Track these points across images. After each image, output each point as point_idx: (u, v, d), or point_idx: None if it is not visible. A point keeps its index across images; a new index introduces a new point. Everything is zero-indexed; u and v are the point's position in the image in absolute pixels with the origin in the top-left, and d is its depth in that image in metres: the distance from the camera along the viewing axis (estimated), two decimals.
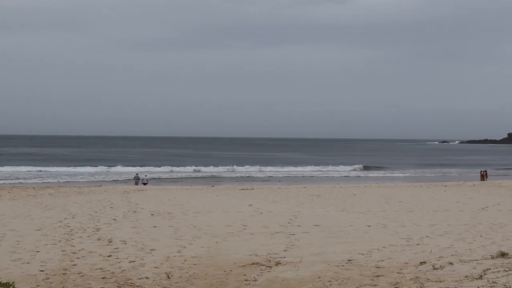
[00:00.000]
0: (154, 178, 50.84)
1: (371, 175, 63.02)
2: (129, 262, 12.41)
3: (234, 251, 13.57)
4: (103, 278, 10.96)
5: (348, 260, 12.34)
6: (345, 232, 16.69)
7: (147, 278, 10.92)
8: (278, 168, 70.97)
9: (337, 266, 11.76)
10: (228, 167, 71.17)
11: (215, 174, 63.02)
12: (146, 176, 45.69)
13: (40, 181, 47.32)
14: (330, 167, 73.34)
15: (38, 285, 10.40)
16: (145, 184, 41.85)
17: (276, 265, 11.97)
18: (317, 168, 72.64)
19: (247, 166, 72.36)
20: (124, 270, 11.57)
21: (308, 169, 70.52)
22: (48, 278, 10.91)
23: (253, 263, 12.11)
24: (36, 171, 61.28)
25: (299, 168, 71.32)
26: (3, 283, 10.12)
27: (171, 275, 11.13)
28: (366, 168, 74.15)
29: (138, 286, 10.34)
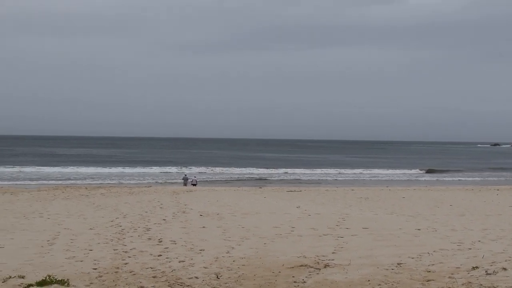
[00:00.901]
0: (203, 180, 51.31)
1: (445, 179, 60.32)
2: (179, 261, 12.60)
3: (282, 253, 13.61)
4: (154, 277, 11.17)
5: (398, 264, 12.21)
6: (394, 235, 16.50)
7: (196, 278, 11.07)
8: (329, 170, 70.65)
9: (387, 269, 11.65)
10: (277, 169, 71.27)
11: (263, 175, 63.17)
12: (195, 177, 46.40)
13: (92, 182, 48.45)
14: (390, 171, 71.54)
15: (91, 283, 10.67)
16: (194, 185, 42.57)
17: (325, 267, 11.95)
18: (378, 171, 70.84)
19: (294, 168, 72.30)
20: (174, 270, 11.77)
21: (373, 172, 69.24)
22: (101, 276, 11.19)
23: (301, 265, 12.12)
24: (89, 172, 62.80)
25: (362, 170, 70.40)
26: (59, 280, 10.45)
27: (220, 275, 11.26)
28: (430, 171, 71.19)
29: (188, 285, 10.50)
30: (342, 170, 70.87)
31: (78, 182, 47.89)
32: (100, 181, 49.10)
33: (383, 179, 59.47)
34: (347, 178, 60.09)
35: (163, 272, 11.59)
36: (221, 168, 70.58)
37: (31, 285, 10.19)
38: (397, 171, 71.03)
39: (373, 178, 60.62)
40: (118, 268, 11.95)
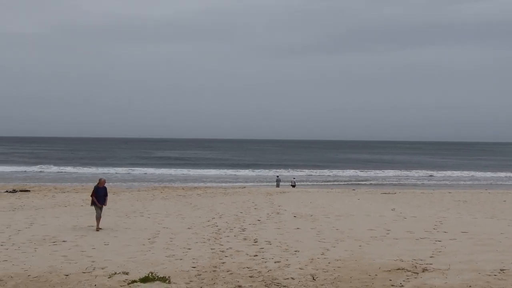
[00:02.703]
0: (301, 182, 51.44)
1: None
2: (275, 262, 12.74)
3: (378, 256, 13.43)
4: (250, 276, 11.37)
5: (501, 270, 11.73)
6: (496, 240, 15.84)
7: (292, 278, 11.16)
8: (420, 172, 68.79)
9: (489, 275, 11.22)
10: (369, 170, 70.26)
11: (356, 177, 62.42)
12: (294, 178, 47.22)
13: (188, 183, 49.83)
14: (489, 173, 68.16)
15: (191, 281, 11.00)
16: (293, 186, 43.25)
17: (423, 271, 11.68)
18: (477, 173, 67.82)
19: (388, 170, 71.02)
20: (270, 270, 11.91)
21: (471, 174, 66.64)
22: (200, 275, 11.52)
23: (398, 269, 11.92)
24: (182, 173, 64.71)
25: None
26: (160, 277, 10.87)
27: (316, 277, 11.28)
28: None
29: (285, 286, 10.60)
30: (435, 173, 68.75)
31: (172, 184, 49.40)
32: (196, 183, 50.40)
33: (482, 182, 56.95)
34: (441, 181, 58.20)
35: (259, 272, 11.76)
36: (313, 170, 70.47)
37: (135, 281, 10.67)
38: (501, 174, 67.56)
39: (469, 182, 58.30)
40: (216, 267, 12.26)
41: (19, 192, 32.61)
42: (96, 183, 18.17)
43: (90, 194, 17.97)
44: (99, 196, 17.70)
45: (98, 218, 17.63)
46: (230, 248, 14.52)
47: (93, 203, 17.76)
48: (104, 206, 17.86)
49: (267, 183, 50.60)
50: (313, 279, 11.09)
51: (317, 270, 11.92)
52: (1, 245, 14.69)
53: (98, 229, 17.40)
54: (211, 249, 14.40)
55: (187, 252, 13.99)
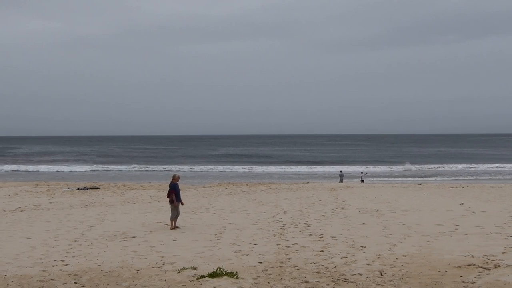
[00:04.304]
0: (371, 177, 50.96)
1: None
2: (341, 258, 12.68)
3: (447, 251, 13.14)
4: (317, 272, 11.36)
5: None
6: None
7: (360, 274, 11.08)
8: (488, 165, 66.70)
9: None
10: (437, 164, 68.73)
11: (422, 172, 61.19)
12: (363, 173, 46.96)
13: (251, 180, 50.18)
14: None
15: (258, 276, 11.10)
16: (362, 181, 43.00)
17: (495, 267, 11.36)
18: None
19: (454, 164, 69.26)
20: (337, 266, 11.86)
21: None
22: (266, 270, 11.61)
23: (469, 265, 11.63)
24: (244, 170, 65.20)
25: None
26: (228, 272, 11.03)
27: (384, 272, 11.16)
28: None
29: (352, 282, 10.54)
30: (504, 166, 66.48)
31: (232, 180, 49.86)
32: (260, 180, 50.69)
33: None
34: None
35: (326, 267, 11.74)
36: (376, 166, 69.50)
37: (203, 276, 10.87)
38: None
39: None
40: (282, 262, 12.32)
41: (90, 189, 33.73)
42: (170, 180, 17.90)
43: (168, 192, 17.78)
44: (177, 193, 17.60)
45: (177, 216, 17.46)
46: (296, 243, 14.55)
47: (172, 201, 17.44)
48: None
49: (330, 179, 50.34)
50: (381, 275, 10.98)
51: (384, 266, 11.78)
52: (75, 241, 15.26)
53: (175, 227, 17.28)
54: (277, 244, 14.47)
55: (253, 247, 14.12)
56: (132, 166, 71.24)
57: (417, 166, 67.41)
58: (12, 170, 67.23)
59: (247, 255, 13.21)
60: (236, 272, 11.13)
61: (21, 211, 22.85)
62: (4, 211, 22.78)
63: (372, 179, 48.45)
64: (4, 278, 11.21)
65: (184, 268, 11.66)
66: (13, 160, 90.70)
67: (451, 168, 65.67)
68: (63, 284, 10.73)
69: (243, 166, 70.03)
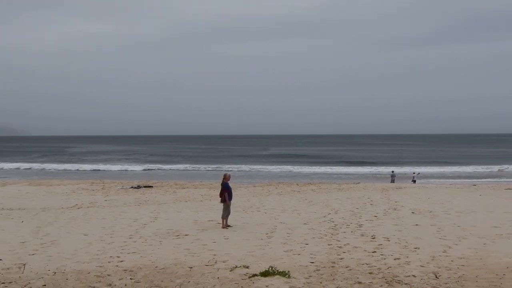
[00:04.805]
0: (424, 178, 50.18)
1: None
2: (394, 259, 12.53)
3: (505, 254, 12.81)
4: (370, 273, 11.26)
5: None
6: None
7: (414, 276, 10.92)
8: None
9: None
10: (490, 166, 67.02)
11: (477, 173, 59.76)
12: (415, 173, 46.23)
13: (301, 179, 50.09)
14: None
15: (310, 276, 11.09)
16: (414, 181, 42.36)
17: None
18: None
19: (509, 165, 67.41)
20: (390, 267, 11.73)
21: None
22: (318, 270, 11.58)
23: None
24: (293, 170, 65.18)
25: None
26: (280, 271, 11.06)
27: (439, 275, 10.97)
28: None
29: (406, 283, 10.40)
30: None
31: (280, 179, 49.85)
32: (310, 179, 50.55)
33: None
34: None
35: (379, 268, 11.63)
36: (428, 167, 68.25)
37: (255, 275, 10.93)
38: None
39: None
40: (334, 262, 12.26)
41: (143, 188, 34.35)
42: (222, 179, 17.99)
43: (220, 190, 17.89)
44: (230, 192, 17.71)
45: (228, 215, 17.58)
46: (348, 244, 14.45)
47: (224, 200, 17.56)
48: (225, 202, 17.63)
49: (381, 179, 49.70)
50: (436, 277, 10.79)
51: (439, 268, 11.58)
52: (130, 238, 15.59)
53: (226, 226, 17.38)
54: (329, 244, 14.41)
55: (304, 247, 14.10)
56: (184, 165, 72.23)
57: (471, 167, 65.83)
58: (69, 169, 69.20)
59: (299, 254, 13.21)
60: (288, 271, 11.15)
61: (78, 208, 23.48)
62: (62, 208, 23.46)
63: (425, 180, 47.60)
64: (63, 273, 11.56)
65: (236, 267, 11.76)
66: (69, 159, 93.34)
67: (509, 168, 63.82)
68: (119, 279, 10.98)
69: (292, 166, 69.92)
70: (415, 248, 13.78)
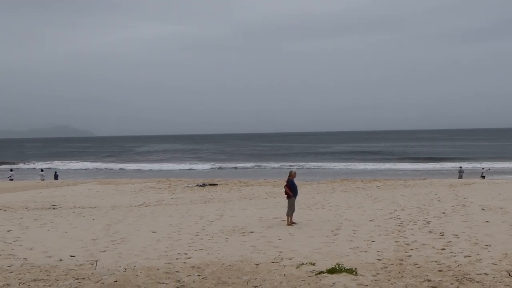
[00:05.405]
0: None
1: None
2: (464, 256, 12.20)
3: None
4: (439, 271, 11.01)
5: None
6: None
7: (486, 274, 10.60)
8: None
9: None
10: None
11: None
12: (487, 169, 45.02)
13: (365, 176, 49.52)
14: None
15: (377, 273, 10.95)
16: (483, 177, 41.33)
17: None
18: None
19: None
20: (460, 265, 11.43)
21: None
22: (386, 267, 11.42)
23: None
24: (355, 167, 64.47)
25: None
26: (347, 269, 10.98)
27: None
28: None
29: (478, 282, 10.11)
30: None
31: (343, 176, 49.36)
32: (375, 176, 49.91)
33: None
34: None
35: (448, 266, 11.35)
36: (498, 162, 66.08)
37: (322, 272, 10.89)
38: None
39: None
40: (402, 260, 12.06)
41: (208, 185, 34.84)
42: (287, 177, 18.01)
43: (285, 186, 17.83)
44: (295, 189, 17.76)
45: (293, 212, 17.61)
46: (415, 241, 14.18)
47: (290, 196, 17.59)
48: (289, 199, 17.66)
49: (448, 175, 48.51)
50: (510, 275, 10.44)
51: None
52: (196, 235, 15.84)
53: (292, 223, 17.39)
54: (396, 241, 14.19)
55: (371, 244, 13.93)
56: (248, 164, 72.78)
57: None
58: (135, 169, 71.01)
59: (365, 252, 13.06)
60: (355, 268, 11.05)
61: (146, 206, 24.07)
62: (131, 206, 24.11)
63: (495, 176, 46.13)
64: (133, 269, 11.88)
65: (303, 264, 11.75)
66: (135, 158, 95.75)
67: None
68: (187, 276, 11.18)
69: (356, 163, 69.25)
70: (486, 245, 13.37)
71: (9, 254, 13.53)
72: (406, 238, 14.66)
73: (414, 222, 17.36)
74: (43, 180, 46.21)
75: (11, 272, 11.71)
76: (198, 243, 14.62)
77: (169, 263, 12.41)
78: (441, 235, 14.91)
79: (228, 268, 11.81)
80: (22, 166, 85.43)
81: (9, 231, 16.94)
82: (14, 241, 15.29)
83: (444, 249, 13.10)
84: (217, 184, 35.86)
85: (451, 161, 67.86)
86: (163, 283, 10.71)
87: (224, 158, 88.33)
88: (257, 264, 12.01)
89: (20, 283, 10.82)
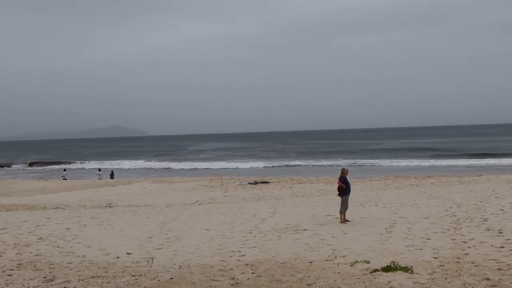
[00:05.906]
0: None
1: None
2: None
3: None
4: (498, 269, 10.75)
5: None
6: None
7: None
8: None
9: None
10: None
11: None
12: None
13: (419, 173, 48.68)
14: None
15: (434, 271, 10.76)
16: None
17: None
18: None
19: None
20: None
21: None
22: (443, 265, 11.21)
23: None
24: (410, 164, 63.43)
25: None
26: (403, 267, 10.83)
27: None
28: None
29: None
30: None
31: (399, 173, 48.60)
32: (429, 173, 49.02)
33: None
34: None
35: (508, 264, 11.06)
36: None
37: (377, 270, 10.79)
38: None
39: None
40: (459, 258, 11.82)
41: (260, 183, 34.97)
42: (340, 174, 17.94)
43: (338, 184, 17.81)
44: (348, 186, 17.70)
45: (346, 209, 17.48)
46: (473, 239, 13.86)
47: (342, 194, 17.52)
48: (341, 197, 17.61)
49: (506, 171, 47.13)
50: None
51: None
52: (249, 233, 15.93)
53: (345, 221, 17.25)
54: (452, 239, 13.90)
55: (426, 242, 13.70)
56: (298, 161, 72.69)
57: None
58: (188, 167, 71.98)
59: (421, 249, 12.85)
60: (411, 266, 10.90)
61: (199, 204, 24.36)
62: (184, 204, 24.45)
63: None
64: (188, 266, 12.06)
65: (357, 262, 11.67)
66: (187, 157, 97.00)
67: None
68: (241, 273, 11.27)
69: (409, 160, 68.11)
70: None
71: (68, 252, 13.95)
72: (463, 235, 14.35)
73: (471, 219, 16.96)
74: (101, 179, 47.35)
75: (70, 269, 12.08)
76: (251, 241, 14.69)
77: (223, 260, 12.52)
78: (500, 233, 14.53)
79: (282, 265, 11.83)
80: (76, 165, 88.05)
81: (68, 229, 17.44)
82: (73, 238, 15.75)
83: (503, 247, 12.77)
84: (268, 182, 35.95)
85: (509, 157, 65.86)
86: (218, 280, 10.83)
87: (273, 156, 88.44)
88: (311, 262, 12.00)
89: (80, 279, 11.15)
